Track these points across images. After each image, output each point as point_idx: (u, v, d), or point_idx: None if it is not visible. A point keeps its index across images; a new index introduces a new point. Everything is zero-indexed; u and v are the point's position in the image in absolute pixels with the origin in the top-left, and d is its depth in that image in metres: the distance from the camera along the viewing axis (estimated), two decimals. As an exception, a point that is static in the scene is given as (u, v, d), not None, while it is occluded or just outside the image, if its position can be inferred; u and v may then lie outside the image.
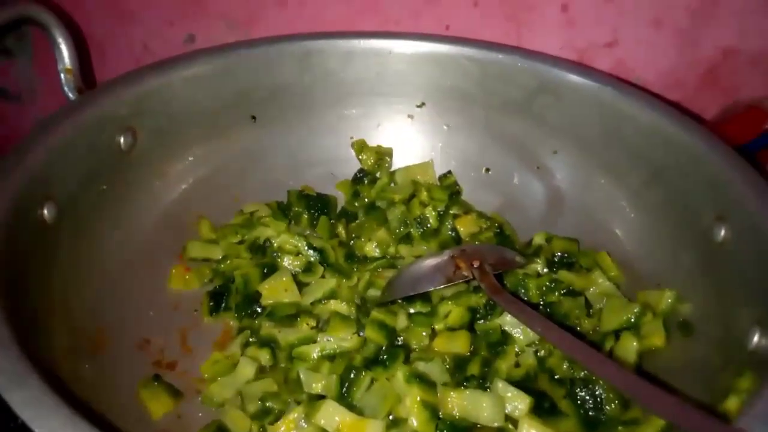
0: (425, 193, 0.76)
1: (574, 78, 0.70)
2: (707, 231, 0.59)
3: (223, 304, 0.66)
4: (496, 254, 0.66)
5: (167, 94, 0.69)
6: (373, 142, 0.81)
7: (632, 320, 0.60)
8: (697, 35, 0.82)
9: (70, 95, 0.65)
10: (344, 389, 0.57)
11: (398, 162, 0.81)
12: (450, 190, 0.77)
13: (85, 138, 0.62)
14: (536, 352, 0.61)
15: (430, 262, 0.65)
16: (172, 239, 0.70)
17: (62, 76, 0.65)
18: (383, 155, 0.80)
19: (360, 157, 0.80)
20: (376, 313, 0.62)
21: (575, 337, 0.53)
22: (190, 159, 0.73)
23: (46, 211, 0.56)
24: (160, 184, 0.71)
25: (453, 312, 0.63)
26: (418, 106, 0.79)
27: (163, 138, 0.70)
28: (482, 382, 0.58)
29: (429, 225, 0.74)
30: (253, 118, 0.77)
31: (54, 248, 0.57)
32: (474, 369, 0.60)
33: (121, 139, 0.65)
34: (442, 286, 0.63)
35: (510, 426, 0.55)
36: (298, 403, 0.57)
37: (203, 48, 0.73)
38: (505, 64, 0.73)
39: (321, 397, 0.57)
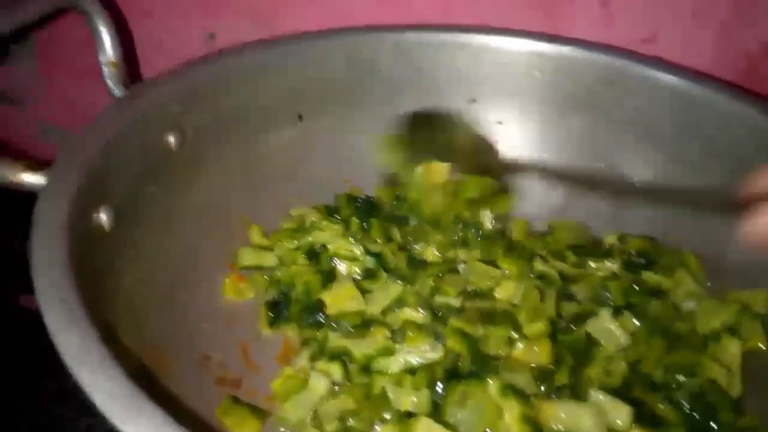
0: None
1: (640, 69, 0.67)
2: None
3: (283, 314, 0.61)
4: None
5: (215, 90, 0.64)
6: (418, 140, 0.77)
7: (731, 322, 0.57)
8: (738, 29, 0.80)
9: (115, 90, 0.59)
10: (435, 405, 0.52)
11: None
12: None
13: (136, 136, 0.56)
14: (627, 358, 0.57)
15: None
16: (219, 246, 0.65)
17: (105, 69, 0.59)
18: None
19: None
20: (456, 322, 0.58)
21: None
22: (234, 160, 0.68)
23: (103, 216, 0.51)
24: (206, 186, 0.65)
25: (534, 324, 0.59)
26: (468, 103, 0.76)
27: (208, 137, 0.65)
28: (573, 393, 0.54)
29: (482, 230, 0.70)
30: (300, 117, 0.72)
31: (112, 257, 0.51)
32: (563, 378, 0.56)
33: (171, 138, 0.60)
34: None
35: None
36: (382, 421, 0.53)
37: (249, 42, 0.68)
38: (564, 57, 0.70)
39: (409, 415, 0.52)
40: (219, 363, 0.57)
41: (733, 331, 0.56)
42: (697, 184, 0.66)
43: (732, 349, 0.55)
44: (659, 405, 0.54)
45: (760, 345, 0.56)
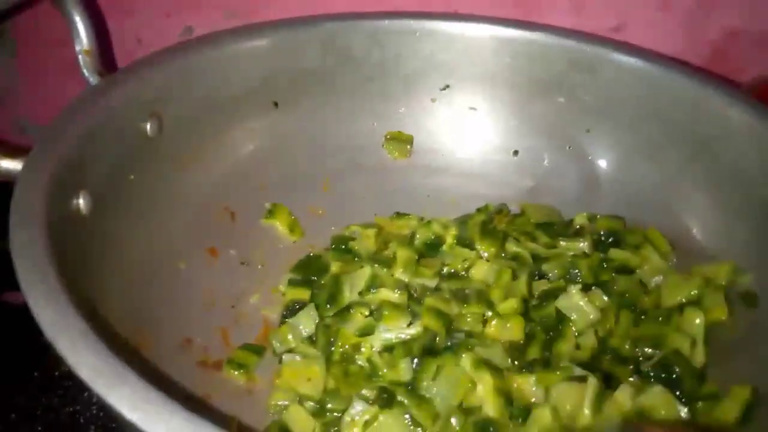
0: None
1: (609, 54, 0.69)
2: (762, 198, 0.58)
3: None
4: None
5: (191, 78, 0.65)
6: (394, 127, 0.78)
7: (694, 295, 0.59)
8: (704, 17, 0.82)
9: (90, 79, 0.60)
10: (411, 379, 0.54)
11: (420, 147, 0.78)
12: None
13: (112, 123, 0.57)
14: (596, 332, 0.59)
15: None
16: (200, 233, 0.66)
17: (80, 58, 0.60)
18: (404, 143, 0.78)
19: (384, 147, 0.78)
20: (431, 300, 0.60)
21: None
22: (212, 148, 0.69)
23: (82, 202, 0.51)
24: (186, 174, 0.66)
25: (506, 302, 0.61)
26: (442, 89, 0.77)
27: (186, 125, 0.66)
28: (545, 366, 0.56)
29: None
30: (276, 104, 0.73)
31: (91, 242, 0.52)
32: (535, 353, 0.58)
33: (147, 125, 0.61)
34: None
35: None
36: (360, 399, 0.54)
37: (225, 30, 0.69)
38: (536, 43, 0.72)
39: (385, 391, 0.54)
40: (200, 346, 0.58)
41: (696, 303, 0.59)
42: (659, 166, 0.68)
43: (695, 320, 0.57)
44: (628, 377, 0.56)
45: (722, 316, 0.58)
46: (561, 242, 0.67)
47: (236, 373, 0.57)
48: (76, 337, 0.34)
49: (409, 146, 0.78)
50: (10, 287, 0.38)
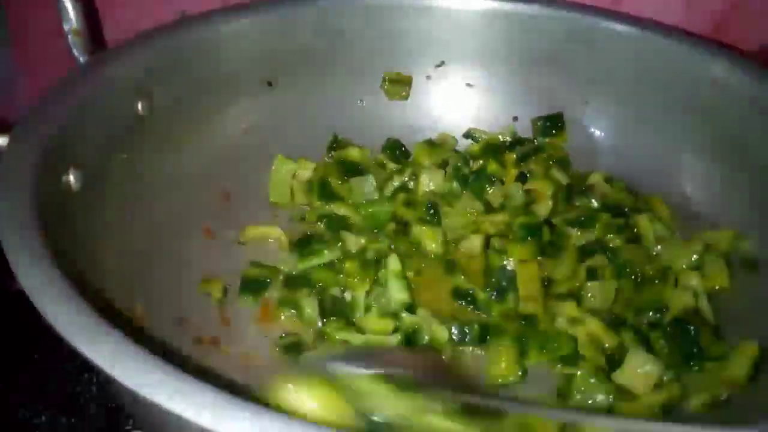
0: None
1: (606, 23, 0.68)
2: (763, 165, 0.57)
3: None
4: None
5: (182, 57, 0.65)
6: (388, 107, 0.77)
7: (695, 260, 0.58)
8: (707, -13, 0.81)
9: (81, 59, 0.59)
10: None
11: (417, 124, 0.77)
12: None
13: (102, 101, 0.56)
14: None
15: None
16: (195, 213, 0.66)
17: (69, 38, 0.59)
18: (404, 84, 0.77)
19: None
20: None
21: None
22: (206, 127, 0.69)
23: (72, 178, 0.51)
24: (179, 153, 0.66)
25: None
26: (437, 66, 0.76)
27: (179, 104, 0.65)
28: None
29: None
30: (269, 83, 0.72)
31: (83, 218, 0.51)
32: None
33: (138, 104, 0.60)
34: None
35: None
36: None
37: (217, 9, 0.68)
38: (532, 16, 0.71)
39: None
40: (196, 325, 0.58)
41: (698, 269, 0.58)
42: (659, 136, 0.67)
43: (693, 281, 0.56)
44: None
45: (723, 284, 0.57)
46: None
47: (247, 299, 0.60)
48: (58, 295, 0.33)
49: (408, 87, 0.77)
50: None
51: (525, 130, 0.75)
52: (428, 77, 0.77)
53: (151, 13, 0.84)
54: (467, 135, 0.75)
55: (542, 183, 0.66)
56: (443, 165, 0.71)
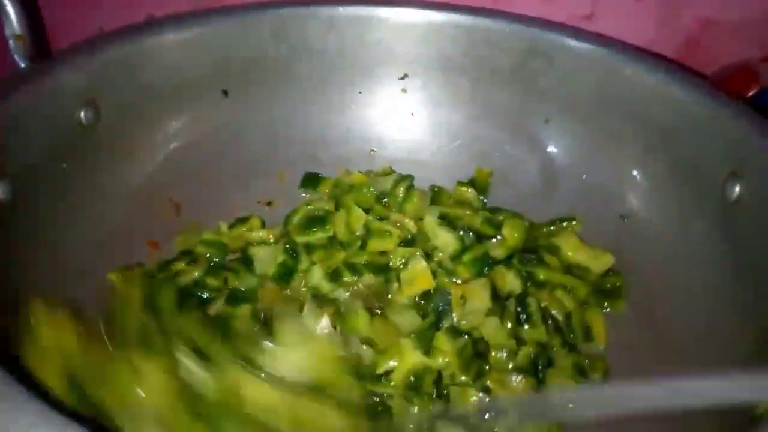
0: None
1: (567, 41, 0.67)
2: (721, 190, 0.56)
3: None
4: None
5: (131, 65, 0.63)
6: (350, 120, 0.75)
7: None
8: (678, 6, 0.81)
9: (22, 65, 0.58)
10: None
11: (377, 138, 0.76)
12: None
13: (41, 110, 0.55)
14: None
15: None
16: (141, 225, 0.64)
17: (11, 43, 0.57)
18: None
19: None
20: None
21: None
22: (158, 137, 0.67)
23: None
24: (127, 164, 0.64)
25: None
26: (400, 78, 0.75)
27: (128, 114, 0.64)
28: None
29: None
30: (225, 92, 0.71)
31: (15, 230, 0.50)
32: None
33: (82, 114, 0.59)
34: None
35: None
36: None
37: (170, 15, 0.67)
38: (493, 30, 0.70)
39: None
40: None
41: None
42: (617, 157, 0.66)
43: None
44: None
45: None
46: None
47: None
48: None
49: None
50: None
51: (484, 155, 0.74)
52: (391, 89, 0.75)
53: (118, 16, 0.82)
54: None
55: None
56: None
